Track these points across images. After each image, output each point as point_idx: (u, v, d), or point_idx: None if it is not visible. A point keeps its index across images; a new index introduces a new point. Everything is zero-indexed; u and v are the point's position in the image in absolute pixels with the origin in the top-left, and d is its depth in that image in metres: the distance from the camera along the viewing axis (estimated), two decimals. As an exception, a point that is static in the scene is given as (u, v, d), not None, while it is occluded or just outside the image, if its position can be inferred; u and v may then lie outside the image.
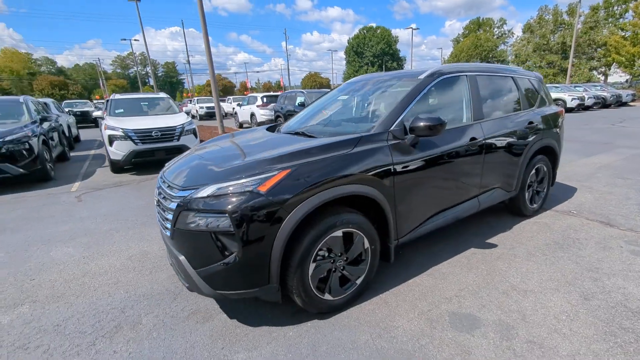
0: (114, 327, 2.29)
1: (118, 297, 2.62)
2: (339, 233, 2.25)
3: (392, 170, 2.43)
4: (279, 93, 17.50)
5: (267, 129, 3.44)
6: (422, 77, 2.89)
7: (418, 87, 2.81)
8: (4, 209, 4.92)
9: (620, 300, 2.36)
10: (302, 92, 13.87)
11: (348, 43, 54.97)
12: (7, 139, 6.65)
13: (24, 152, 6.87)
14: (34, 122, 7.84)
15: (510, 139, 3.33)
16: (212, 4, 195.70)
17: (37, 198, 5.53)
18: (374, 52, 52.14)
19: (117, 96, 9.45)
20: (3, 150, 6.50)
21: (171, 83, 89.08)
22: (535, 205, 3.89)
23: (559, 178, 5.19)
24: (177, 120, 7.99)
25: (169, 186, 2.31)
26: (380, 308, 2.41)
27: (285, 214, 2.01)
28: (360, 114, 3.52)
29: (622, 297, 2.39)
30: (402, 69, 56.55)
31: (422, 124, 2.44)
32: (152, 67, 14.81)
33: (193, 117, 25.13)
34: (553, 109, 3.97)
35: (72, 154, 10.30)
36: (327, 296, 2.31)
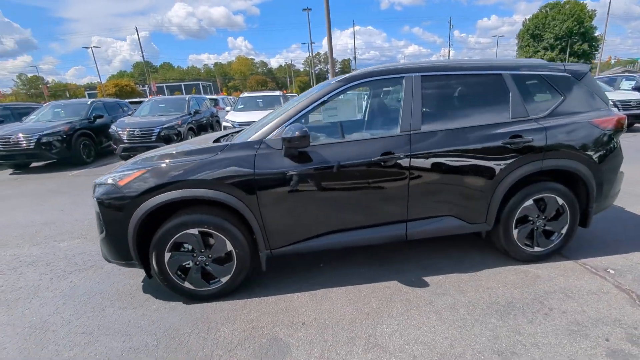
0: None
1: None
2: (194, 231, 2.39)
3: (254, 180, 2.34)
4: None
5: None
6: (332, 81, 2.55)
7: (319, 95, 2.51)
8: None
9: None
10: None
11: (523, 25, 45.84)
12: (165, 126, 9.22)
13: (174, 136, 9.37)
14: (188, 114, 10.46)
15: (465, 156, 2.49)
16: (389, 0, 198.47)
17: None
18: (556, 34, 41.58)
19: (245, 94, 11.30)
20: (161, 134, 9.08)
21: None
22: (539, 249, 2.74)
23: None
24: None
25: None
26: (231, 310, 2.42)
27: (136, 206, 2.33)
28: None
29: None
30: (595, 52, 43.24)
31: (288, 135, 2.25)
32: (331, 64, 16.93)
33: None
34: (586, 117, 2.61)
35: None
36: (188, 285, 2.50)
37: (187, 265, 2.48)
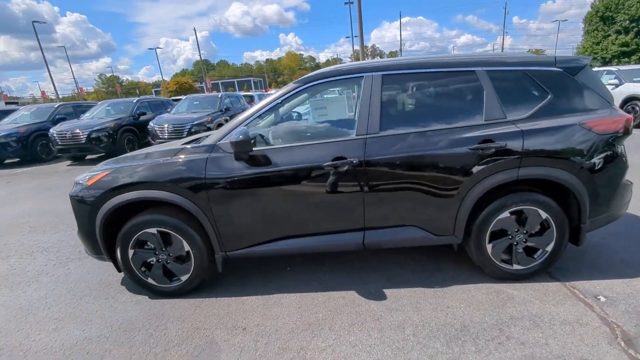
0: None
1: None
2: (153, 230, 2.47)
3: (205, 184, 2.34)
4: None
5: None
6: (291, 83, 2.45)
7: (274, 97, 2.43)
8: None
9: None
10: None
11: (592, 7, 40.42)
12: (195, 122, 9.73)
13: (204, 131, 9.86)
14: (219, 111, 10.90)
15: (428, 163, 2.25)
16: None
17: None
18: (631, 15, 35.99)
19: (272, 90, 11.34)
20: (192, 130, 9.60)
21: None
22: (518, 267, 2.40)
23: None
24: None
25: None
26: (186, 308, 2.47)
27: (100, 204, 2.46)
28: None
29: None
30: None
31: (233, 139, 2.22)
32: (373, 57, 16.47)
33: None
34: (577, 118, 2.21)
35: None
36: (151, 280, 2.60)
37: (151, 262, 2.57)
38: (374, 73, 2.36)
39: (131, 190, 2.41)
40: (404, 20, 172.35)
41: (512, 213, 2.31)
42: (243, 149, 2.22)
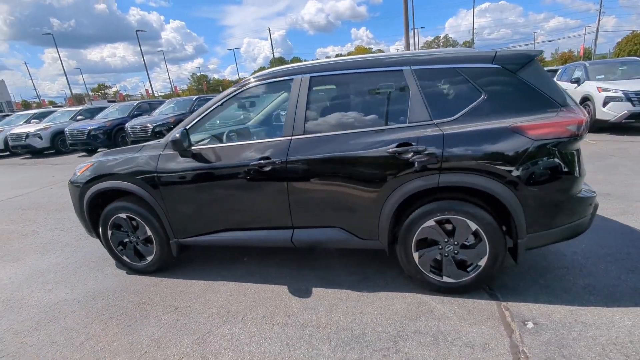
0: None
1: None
2: (123, 215, 2.86)
3: (157, 177, 2.63)
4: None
5: None
6: (232, 87, 2.58)
7: (216, 99, 2.59)
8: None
9: None
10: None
11: None
12: (158, 124, 10.40)
13: (165, 131, 10.55)
14: (190, 112, 11.25)
15: (348, 165, 2.19)
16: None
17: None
18: None
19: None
20: (155, 130, 10.43)
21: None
22: (449, 280, 2.20)
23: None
24: None
25: None
26: (146, 285, 2.81)
27: (85, 191, 2.92)
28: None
29: None
30: None
31: (169, 138, 2.46)
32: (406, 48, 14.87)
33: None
34: (510, 121, 1.91)
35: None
36: (125, 258, 3.01)
37: (125, 242, 2.98)
38: (302, 75, 2.36)
39: (104, 180, 2.82)
40: (483, 6, 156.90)
41: (438, 222, 2.14)
42: (177, 147, 2.45)
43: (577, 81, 8.22)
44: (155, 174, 2.64)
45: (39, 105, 53.28)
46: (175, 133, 2.46)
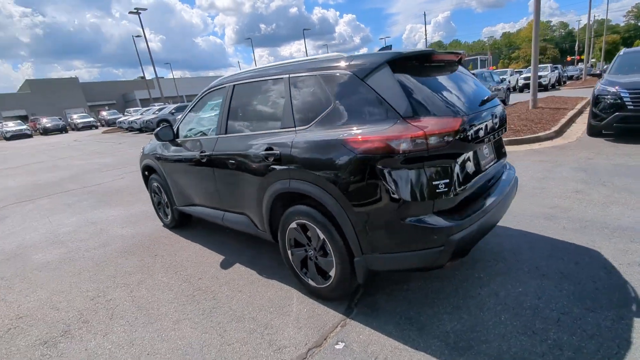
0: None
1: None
2: (155, 184, 4.01)
3: (161, 157, 3.59)
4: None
5: None
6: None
7: (193, 101, 3.25)
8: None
9: None
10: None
11: None
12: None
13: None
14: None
15: (242, 162, 2.47)
16: None
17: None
18: None
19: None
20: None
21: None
22: (313, 284, 2.21)
23: None
24: None
25: None
26: (165, 236, 3.90)
27: (143, 166, 4.22)
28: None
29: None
30: None
31: (155, 132, 3.33)
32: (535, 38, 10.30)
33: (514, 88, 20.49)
34: (342, 132, 1.76)
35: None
36: (161, 215, 4.20)
37: (160, 203, 4.15)
38: (228, 84, 2.75)
39: (146, 159, 4.00)
40: None
41: (300, 225, 2.19)
42: (159, 139, 3.28)
43: None
44: (159, 155, 3.61)
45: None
46: (159, 129, 3.30)
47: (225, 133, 2.75)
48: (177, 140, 3.35)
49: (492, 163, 2.18)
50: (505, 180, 2.31)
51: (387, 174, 1.70)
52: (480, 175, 1.99)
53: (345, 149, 1.80)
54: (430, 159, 1.69)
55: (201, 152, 2.92)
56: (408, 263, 1.80)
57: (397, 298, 2.19)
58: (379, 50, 2.37)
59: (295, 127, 2.15)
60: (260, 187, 2.37)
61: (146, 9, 26.93)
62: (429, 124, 1.66)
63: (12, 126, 28.41)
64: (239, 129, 2.67)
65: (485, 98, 2.17)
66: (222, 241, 3.51)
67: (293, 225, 2.24)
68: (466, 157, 1.88)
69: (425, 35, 48.64)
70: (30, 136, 28.37)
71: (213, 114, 3.10)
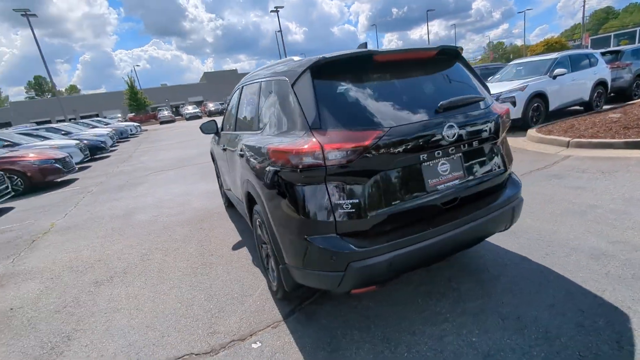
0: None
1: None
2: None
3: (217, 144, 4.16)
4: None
5: None
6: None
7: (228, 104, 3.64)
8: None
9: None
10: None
11: None
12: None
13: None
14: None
15: (231, 158, 2.78)
16: None
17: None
18: None
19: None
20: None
21: None
22: (270, 279, 2.25)
23: None
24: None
25: None
26: (179, 205, 4.60)
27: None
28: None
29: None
30: None
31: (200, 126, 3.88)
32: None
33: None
34: (268, 140, 1.70)
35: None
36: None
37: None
38: (241, 85, 2.95)
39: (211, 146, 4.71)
40: None
41: (259, 223, 2.27)
42: (205, 132, 3.80)
43: None
44: (216, 144, 4.20)
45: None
46: (203, 124, 3.81)
47: (234, 130, 3.02)
48: (220, 132, 3.84)
49: (456, 181, 1.72)
50: (487, 201, 1.79)
51: (290, 188, 1.63)
52: (423, 195, 1.62)
53: (267, 157, 1.82)
54: (334, 176, 1.51)
55: (223, 146, 3.30)
56: (315, 282, 1.69)
57: (340, 313, 2.05)
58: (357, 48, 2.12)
59: (259, 130, 2.22)
60: (241, 183, 2.56)
61: (283, 7, 30.80)
62: (330, 137, 1.48)
63: (190, 109, 37.09)
64: (238, 127, 2.90)
65: (454, 103, 1.71)
66: (247, 224, 3.89)
67: (257, 222, 2.35)
68: (392, 175, 1.57)
69: (584, 1, 36.70)
70: (200, 117, 36.28)
71: (233, 111, 3.40)
